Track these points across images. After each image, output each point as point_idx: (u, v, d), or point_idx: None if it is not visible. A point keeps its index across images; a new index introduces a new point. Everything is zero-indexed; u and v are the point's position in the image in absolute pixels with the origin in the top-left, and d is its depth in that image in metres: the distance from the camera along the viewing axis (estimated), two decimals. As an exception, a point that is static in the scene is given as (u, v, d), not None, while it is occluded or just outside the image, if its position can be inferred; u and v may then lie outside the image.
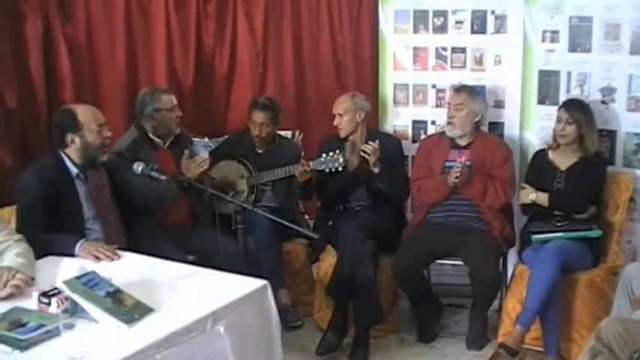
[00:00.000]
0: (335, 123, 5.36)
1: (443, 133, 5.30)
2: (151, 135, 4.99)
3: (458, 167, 4.93)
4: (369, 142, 5.16)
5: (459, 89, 5.24)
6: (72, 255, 3.85)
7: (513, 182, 5.17)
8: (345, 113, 5.32)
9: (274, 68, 6.45)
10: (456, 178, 4.94)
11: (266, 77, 6.43)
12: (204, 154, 4.95)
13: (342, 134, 5.34)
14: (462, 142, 5.20)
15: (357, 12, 6.57)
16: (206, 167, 4.89)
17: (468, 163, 5.05)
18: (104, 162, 4.35)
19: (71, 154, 4.22)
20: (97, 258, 3.81)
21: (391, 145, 5.43)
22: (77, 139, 4.18)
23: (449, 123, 5.20)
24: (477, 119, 5.18)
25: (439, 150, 5.23)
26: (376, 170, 5.17)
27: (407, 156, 5.68)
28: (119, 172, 4.54)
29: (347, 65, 6.67)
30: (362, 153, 5.13)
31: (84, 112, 4.24)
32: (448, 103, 5.30)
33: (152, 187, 4.58)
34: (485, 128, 5.60)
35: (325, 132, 5.59)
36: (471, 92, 5.22)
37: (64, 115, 4.25)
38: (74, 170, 4.23)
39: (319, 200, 5.65)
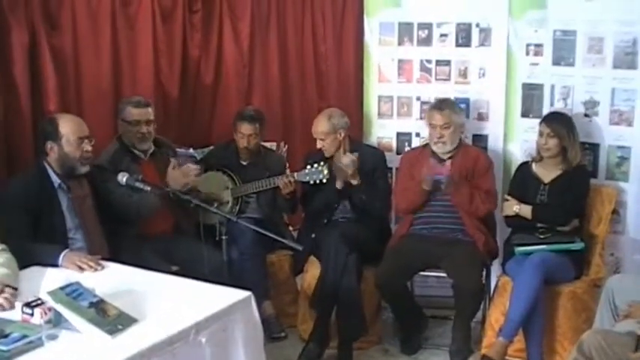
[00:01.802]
0: (318, 146, 5.37)
1: (424, 146, 5.32)
2: (130, 146, 4.98)
3: (445, 177, 4.99)
4: (346, 155, 5.20)
5: (442, 107, 5.18)
6: (55, 265, 3.83)
7: (495, 193, 5.21)
8: (325, 137, 5.33)
9: (260, 79, 6.45)
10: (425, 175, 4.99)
11: (252, 88, 6.43)
12: (191, 165, 4.92)
13: (327, 154, 5.35)
14: (445, 155, 5.21)
15: (341, 24, 6.58)
16: (193, 178, 4.86)
17: (444, 178, 5.06)
18: (88, 173, 4.34)
19: (52, 164, 4.23)
20: (81, 268, 3.80)
21: (375, 157, 5.45)
22: (56, 148, 4.20)
23: (438, 142, 5.16)
24: (462, 130, 5.25)
25: (421, 163, 5.23)
26: (355, 182, 5.20)
27: (391, 168, 5.69)
28: (101, 183, 4.53)
29: (329, 77, 6.67)
30: (339, 165, 5.16)
31: (66, 123, 4.25)
32: (431, 124, 5.22)
33: (134, 199, 4.57)
34: (469, 140, 5.65)
35: (310, 144, 5.59)
36: (453, 107, 5.22)
37: (47, 123, 4.29)
38: (56, 180, 4.23)
39: (304, 212, 5.66)
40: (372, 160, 5.37)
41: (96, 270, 3.81)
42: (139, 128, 4.92)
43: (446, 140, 5.16)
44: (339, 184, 5.25)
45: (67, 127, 4.24)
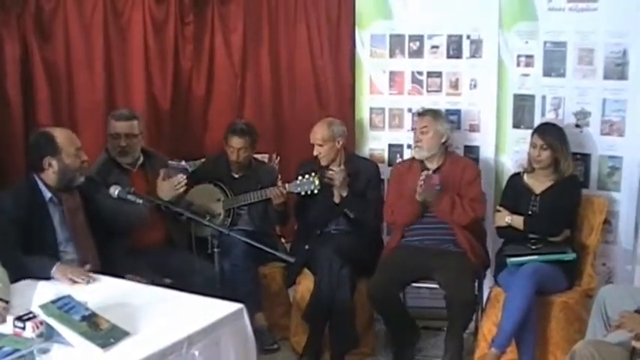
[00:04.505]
0: (315, 153, 5.37)
1: (414, 157, 5.34)
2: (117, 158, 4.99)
3: (421, 179, 4.98)
4: (332, 168, 5.23)
5: (423, 113, 5.28)
6: (47, 278, 3.82)
7: (483, 200, 5.21)
8: (324, 143, 5.34)
9: (252, 91, 6.46)
10: (421, 187, 4.97)
11: (243, 100, 6.44)
12: (181, 176, 4.90)
13: (324, 162, 5.36)
14: (432, 166, 5.22)
15: (337, 36, 6.58)
16: (182, 190, 4.86)
17: (438, 187, 5.06)
18: (78, 185, 4.34)
19: (47, 178, 4.21)
20: (73, 281, 3.79)
21: (368, 169, 5.47)
22: (55, 163, 4.17)
23: (416, 146, 5.24)
24: (443, 140, 5.21)
25: (411, 175, 5.23)
26: (344, 193, 5.21)
27: (383, 179, 5.69)
28: (91, 195, 4.52)
29: (328, 88, 6.66)
30: (326, 179, 5.18)
31: (62, 136, 4.23)
32: (414, 129, 5.35)
33: (122, 209, 4.55)
34: (460, 151, 5.65)
35: (303, 155, 5.61)
36: (435, 114, 5.26)
37: (42, 138, 4.24)
38: (47, 194, 4.21)
39: (297, 223, 5.67)
40: (366, 172, 5.40)
41: (88, 282, 3.81)
42: (119, 141, 4.93)
43: (422, 145, 5.19)
44: (337, 198, 5.26)
45: (64, 139, 4.23)
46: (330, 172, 5.21)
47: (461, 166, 5.23)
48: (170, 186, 4.81)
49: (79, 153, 4.26)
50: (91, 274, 3.89)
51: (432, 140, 5.17)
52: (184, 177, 4.90)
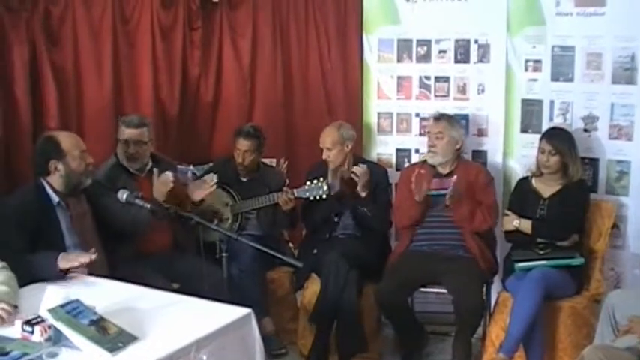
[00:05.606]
0: (324, 157, 5.38)
1: (424, 162, 5.33)
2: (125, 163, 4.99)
3: (412, 178, 4.99)
4: (359, 165, 5.22)
5: (439, 118, 5.28)
6: (55, 272, 3.81)
7: (496, 208, 5.20)
8: (333, 147, 5.35)
9: (261, 96, 6.44)
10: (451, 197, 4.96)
11: (253, 105, 6.42)
12: (169, 173, 4.88)
13: (333, 166, 5.37)
14: (444, 171, 5.22)
15: (344, 41, 6.57)
16: (171, 186, 4.81)
17: (445, 192, 5.06)
18: (85, 189, 4.35)
19: (54, 182, 4.23)
20: (80, 262, 3.80)
21: (377, 173, 5.46)
22: (61, 166, 4.20)
23: (430, 151, 5.23)
24: (457, 146, 5.22)
25: (420, 178, 5.22)
26: (363, 194, 5.21)
27: (391, 184, 5.68)
28: (98, 199, 4.53)
29: (337, 93, 6.65)
30: (352, 175, 5.19)
31: (66, 140, 4.26)
32: (428, 132, 5.34)
33: (130, 214, 4.56)
34: (468, 156, 5.65)
35: (312, 160, 5.61)
36: (450, 120, 5.26)
37: (47, 142, 4.27)
38: (55, 199, 4.23)
39: (305, 228, 5.67)
40: (375, 177, 5.38)
41: (90, 260, 3.82)
42: (127, 148, 4.93)
43: (437, 150, 5.19)
44: (333, 191, 5.27)
45: (69, 143, 4.26)
46: (356, 168, 5.21)
47: (473, 172, 5.23)
48: (160, 184, 4.76)
49: (84, 156, 4.28)
50: (93, 256, 3.86)
51: (447, 146, 5.18)
52: (171, 174, 4.86)
